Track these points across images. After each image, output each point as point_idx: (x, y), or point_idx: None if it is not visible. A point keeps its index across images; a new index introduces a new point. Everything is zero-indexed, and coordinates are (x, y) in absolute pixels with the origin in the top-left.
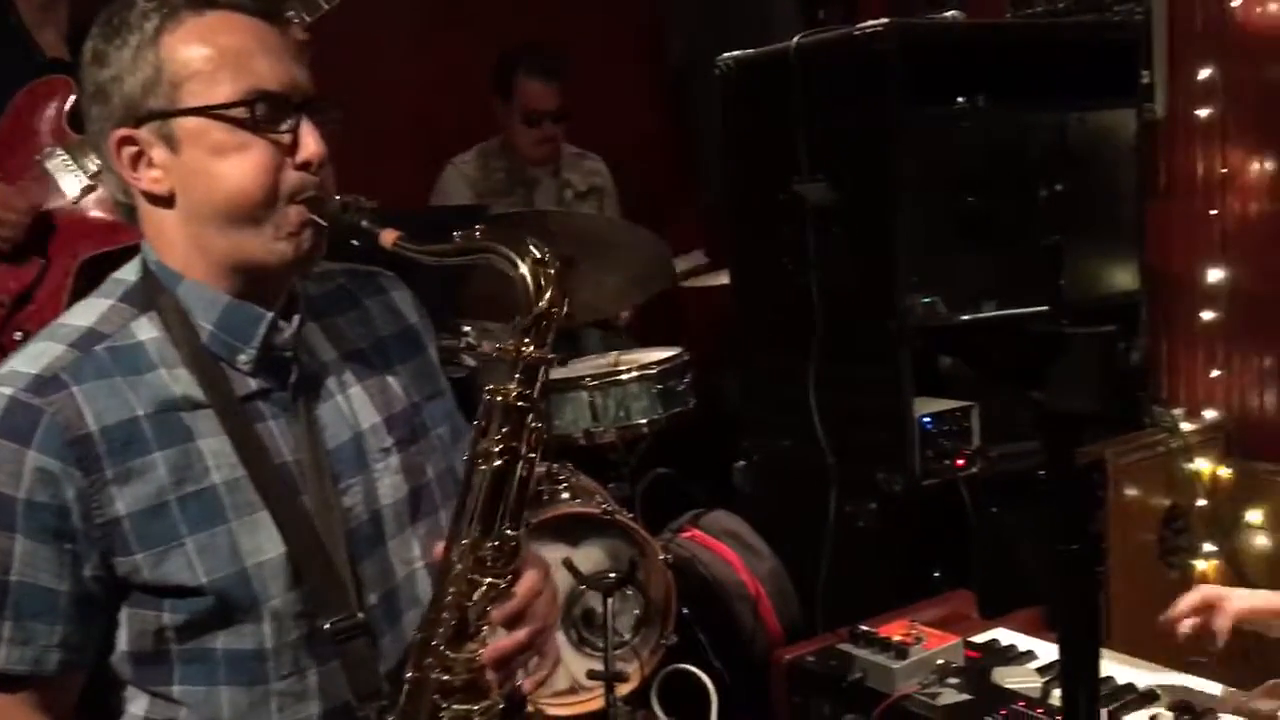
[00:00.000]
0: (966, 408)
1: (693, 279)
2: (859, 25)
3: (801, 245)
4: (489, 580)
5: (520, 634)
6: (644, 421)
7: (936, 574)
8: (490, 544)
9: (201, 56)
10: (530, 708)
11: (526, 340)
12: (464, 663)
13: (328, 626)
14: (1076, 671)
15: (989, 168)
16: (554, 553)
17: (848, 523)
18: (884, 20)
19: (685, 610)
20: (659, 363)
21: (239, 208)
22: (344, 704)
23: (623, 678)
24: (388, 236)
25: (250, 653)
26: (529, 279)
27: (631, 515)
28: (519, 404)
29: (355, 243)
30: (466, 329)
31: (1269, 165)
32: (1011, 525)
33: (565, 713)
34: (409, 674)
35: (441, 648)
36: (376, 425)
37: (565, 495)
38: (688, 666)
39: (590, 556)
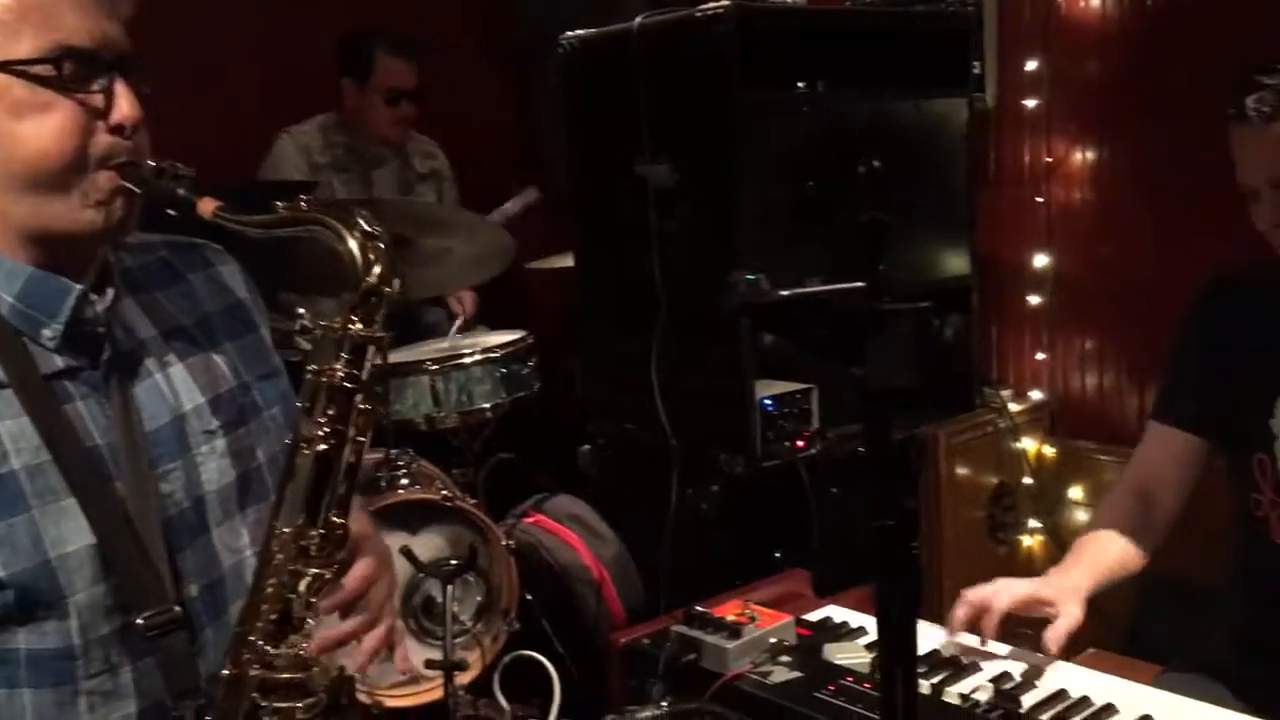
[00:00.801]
0: (807, 390)
1: (539, 262)
2: (700, 7)
3: (644, 227)
4: (313, 571)
5: (349, 624)
6: (487, 406)
7: (778, 554)
8: (315, 533)
9: (2, 6)
10: (368, 699)
11: (354, 317)
12: (287, 658)
13: (141, 621)
14: (894, 645)
15: (826, 151)
16: (393, 540)
17: (690, 505)
18: (725, 3)
19: (528, 596)
20: (503, 346)
21: (40, 173)
22: (160, 702)
23: (463, 666)
24: (206, 206)
25: (55, 651)
26: (357, 253)
27: (474, 501)
28: (345, 384)
29: (171, 212)
30: (301, 310)
31: (1090, 155)
32: (845, 504)
33: (404, 704)
34: (226, 670)
35: (261, 642)
36: (200, 406)
37: (404, 482)
38: (530, 653)
39: (431, 544)
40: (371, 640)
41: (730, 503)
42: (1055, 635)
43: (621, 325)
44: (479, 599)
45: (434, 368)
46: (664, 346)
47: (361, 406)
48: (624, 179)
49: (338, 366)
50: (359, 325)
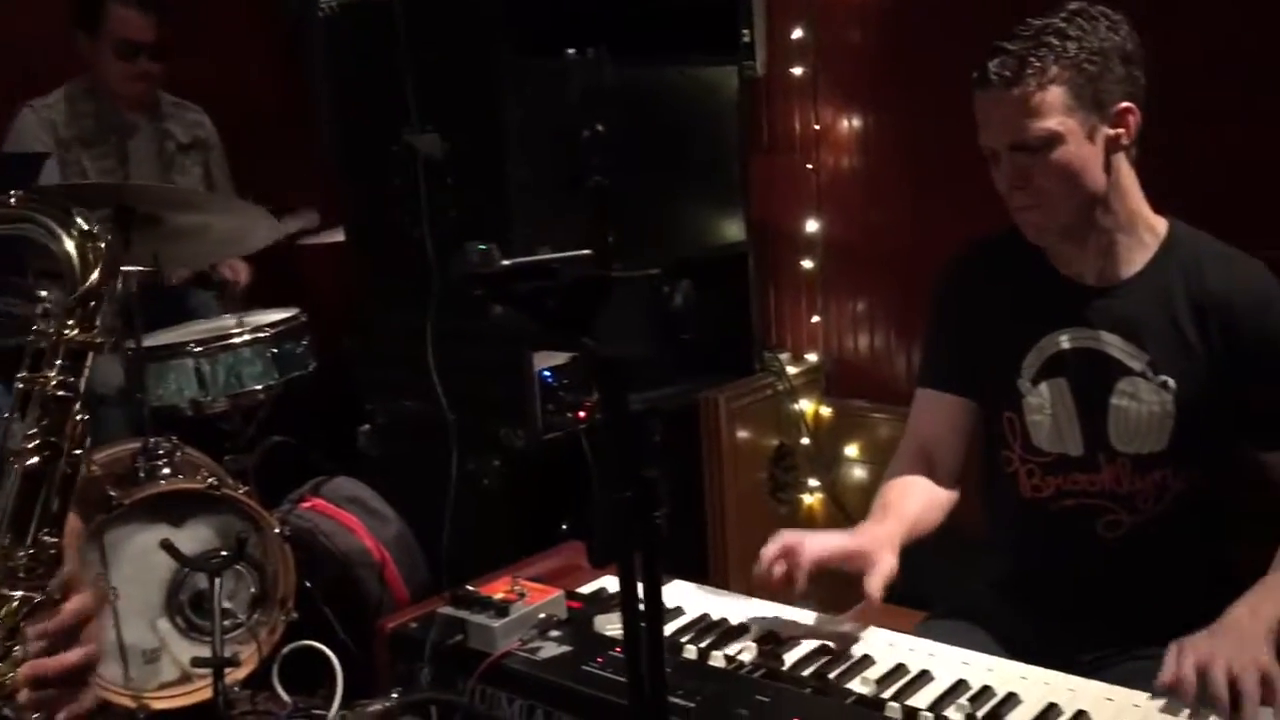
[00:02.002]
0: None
1: (310, 236)
2: None
3: (415, 198)
4: (21, 594)
5: (71, 656)
6: (259, 388)
7: (564, 526)
8: (23, 553)
9: None
10: (132, 703)
11: (71, 322)
12: None
13: None
14: (638, 615)
15: (595, 120)
16: (154, 534)
17: (472, 481)
18: None
19: (307, 584)
20: (274, 325)
21: None
22: None
23: (233, 662)
24: None
25: None
26: (74, 254)
27: (244, 489)
28: (60, 394)
29: None
30: (44, 293)
31: (856, 123)
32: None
33: (174, 705)
34: None
35: None
36: None
37: (166, 471)
38: (310, 643)
39: (198, 535)
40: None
41: (514, 477)
42: (874, 584)
43: (396, 300)
44: (253, 590)
45: (199, 349)
46: (439, 320)
47: (78, 417)
48: (394, 149)
49: (51, 374)
50: (76, 330)
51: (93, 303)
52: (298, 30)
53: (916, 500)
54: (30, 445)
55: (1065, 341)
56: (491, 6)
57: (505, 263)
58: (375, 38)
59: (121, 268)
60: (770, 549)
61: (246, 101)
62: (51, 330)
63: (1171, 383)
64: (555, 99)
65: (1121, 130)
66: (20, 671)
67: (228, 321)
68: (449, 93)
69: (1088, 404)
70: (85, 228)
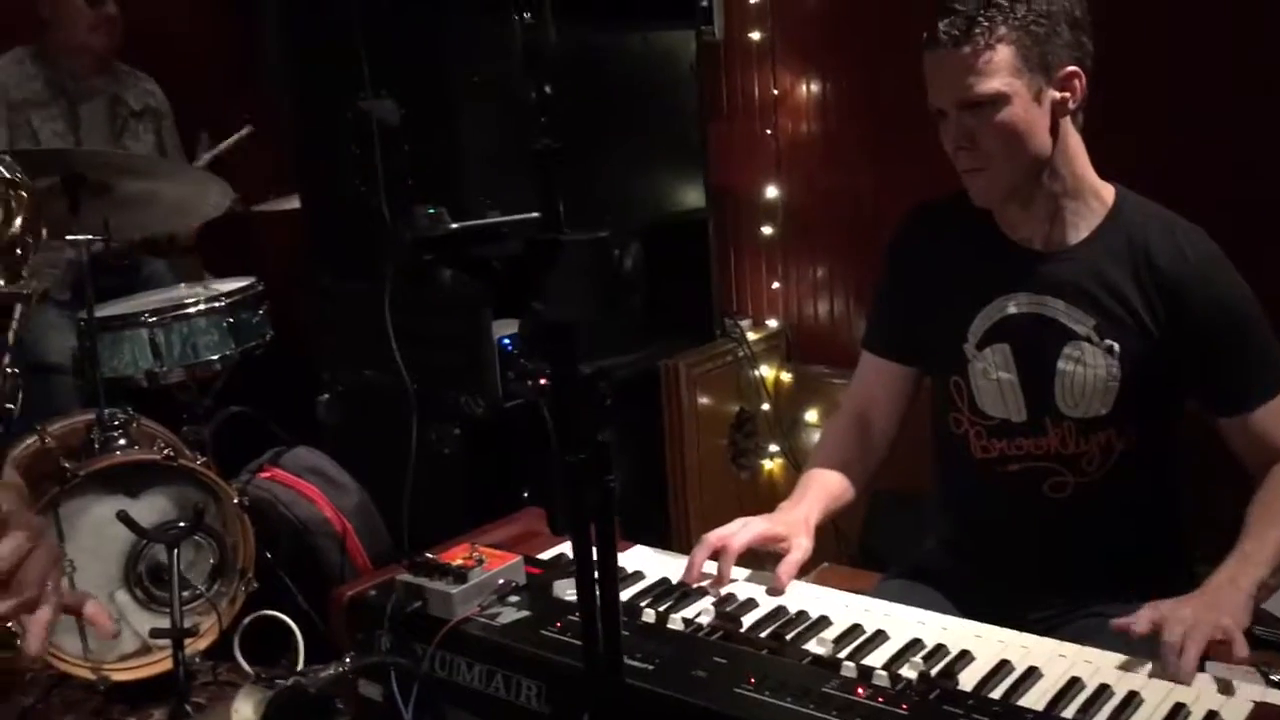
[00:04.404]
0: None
1: (265, 205)
2: None
3: (370, 164)
4: None
5: (4, 606)
6: (215, 358)
7: (525, 494)
8: None
9: None
10: (93, 675)
11: None
12: None
13: None
14: (596, 579)
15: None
16: (110, 505)
17: (433, 449)
18: None
19: (268, 554)
20: (229, 294)
21: None
22: None
23: (192, 633)
24: None
25: None
26: None
27: (202, 460)
28: None
29: None
30: None
31: (814, 88)
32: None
33: (134, 676)
34: None
35: None
36: None
37: (121, 443)
38: (271, 613)
39: (155, 506)
40: (38, 623)
41: (474, 445)
42: (787, 568)
43: (353, 268)
44: (212, 561)
45: (153, 319)
46: (397, 288)
47: (7, 370)
48: (347, 114)
49: None
50: (2, 281)
51: (19, 251)
52: None
53: (834, 481)
54: None
55: (1012, 307)
56: None
57: (454, 225)
58: (329, 3)
59: (70, 236)
60: (699, 555)
61: (195, 67)
62: None
63: (1117, 347)
64: (505, 62)
65: (1067, 94)
66: None
67: (182, 291)
68: (402, 58)
69: (1033, 369)
70: (6, 175)
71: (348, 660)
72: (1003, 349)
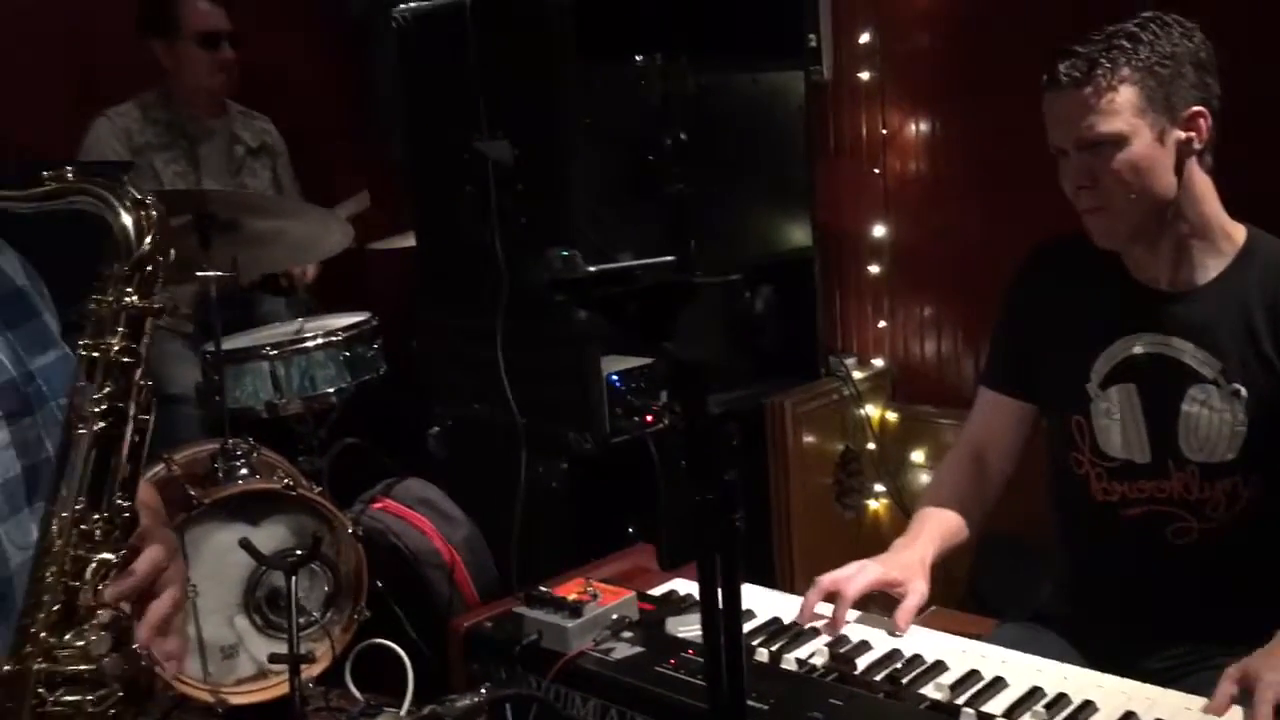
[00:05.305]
0: (656, 364)
1: (380, 242)
2: None
3: (485, 203)
4: (99, 557)
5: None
6: (331, 390)
7: (631, 530)
8: (98, 516)
9: None
10: (211, 698)
11: (129, 289)
12: (75, 649)
13: None
14: (717, 617)
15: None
16: (232, 533)
17: (541, 484)
18: None
19: (379, 584)
20: (345, 329)
21: None
22: None
23: (309, 659)
24: None
25: None
26: (127, 222)
27: (319, 489)
28: (123, 360)
29: None
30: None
31: (923, 127)
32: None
33: (251, 700)
34: (7, 666)
35: (44, 635)
36: None
37: (244, 472)
38: (382, 641)
39: (274, 534)
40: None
41: (581, 480)
42: (904, 614)
43: (466, 304)
44: (326, 589)
45: (274, 353)
46: (508, 324)
47: (141, 383)
48: (463, 155)
49: (113, 341)
50: (135, 297)
51: (149, 268)
52: (361, 37)
53: (949, 520)
54: (97, 410)
55: (1137, 347)
56: (560, 13)
57: (590, 269)
58: (447, 44)
59: (200, 273)
60: (813, 596)
61: (310, 107)
62: (110, 298)
63: (1244, 391)
64: (624, 105)
65: (1193, 134)
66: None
67: (300, 325)
68: (518, 99)
69: (1157, 410)
70: (138, 196)
71: (483, 691)
72: (1127, 389)
